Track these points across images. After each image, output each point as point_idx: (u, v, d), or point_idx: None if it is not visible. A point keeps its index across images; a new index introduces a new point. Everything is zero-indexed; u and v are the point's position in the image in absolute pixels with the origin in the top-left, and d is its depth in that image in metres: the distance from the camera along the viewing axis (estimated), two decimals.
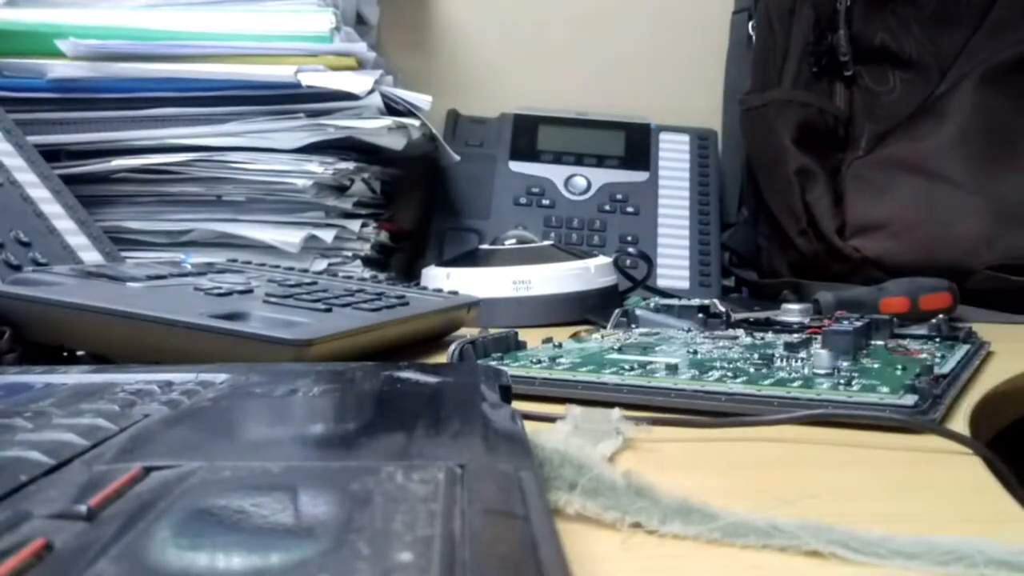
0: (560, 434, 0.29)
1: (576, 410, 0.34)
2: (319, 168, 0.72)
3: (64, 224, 0.63)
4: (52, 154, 0.70)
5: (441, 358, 0.50)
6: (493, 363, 0.45)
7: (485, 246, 0.76)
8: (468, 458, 0.20)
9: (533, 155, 0.92)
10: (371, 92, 0.73)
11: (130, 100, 0.73)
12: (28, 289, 0.46)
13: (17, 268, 0.55)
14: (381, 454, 0.21)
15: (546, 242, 0.77)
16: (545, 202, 0.90)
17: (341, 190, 0.76)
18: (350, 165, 0.75)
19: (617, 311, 0.62)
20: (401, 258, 0.89)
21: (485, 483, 0.18)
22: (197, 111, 0.73)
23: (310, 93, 0.72)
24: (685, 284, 0.86)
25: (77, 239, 0.63)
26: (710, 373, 0.41)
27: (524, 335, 0.51)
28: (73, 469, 0.19)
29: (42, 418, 0.25)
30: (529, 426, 0.27)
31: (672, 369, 0.42)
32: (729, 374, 0.41)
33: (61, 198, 0.64)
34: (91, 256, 0.63)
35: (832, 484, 0.30)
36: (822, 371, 0.41)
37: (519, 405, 0.33)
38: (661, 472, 0.25)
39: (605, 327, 0.61)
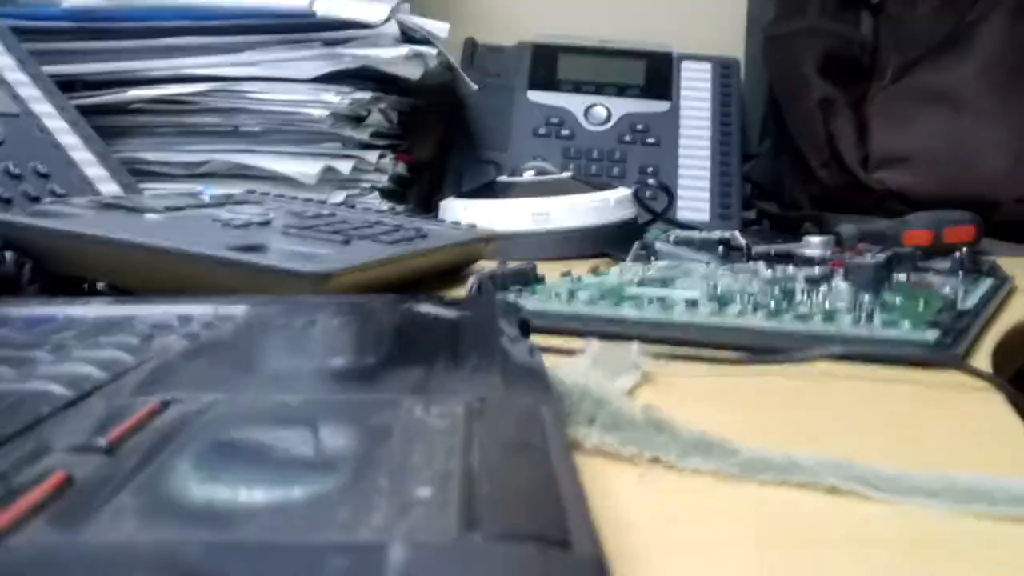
0: (579, 368, 0.29)
1: (595, 344, 0.34)
2: (335, 98, 0.72)
3: (82, 155, 0.63)
4: (67, 84, 0.69)
5: (459, 291, 0.50)
6: (512, 297, 0.44)
7: (503, 178, 0.76)
8: (487, 392, 0.20)
9: (552, 84, 0.91)
10: (387, 20, 0.72)
11: (145, 30, 0.72)
12: (47, 220, 0.46)
13: (36, 200, 0.55)
14: (400, 388, 0.21)
15: (565, 174, 0.76)
16: (564, 133, 0.88)
17: (358, 120, 0.75)
18: (367, 95, 0.74)
19: (636, 244, 0.61)
20: (419, 190, 0.89)
21: (504, 417, 0.18)
22: (212, 40, 0.72)
23: (325, 22, 0.71)
24: (706, 216, 0.85)
25: (95, 171, 0.63)
26: (730, 307, 0.41)
27: (543, 268, 0.51)
28: (93, 402, 0.19)
29: (62, 351, 0.25)
30: (548, 360, 0.27)
31: (692, 303, 0.42)
32: (750, 308, 0.41)
33: (78, 129, 0.64)
34: (109, 188, 0.62)
35: (852, 420, 0.29)
36: (843, 305, 0.41)
37: (538, 339, 0.33)
38: (679, 407, 0.25)
39: (624, 260, 0.60)
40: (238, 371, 0.23)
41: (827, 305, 0.41)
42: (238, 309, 0.32)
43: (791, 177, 0.86)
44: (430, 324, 0.28)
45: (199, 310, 0.32)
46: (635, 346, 0.34)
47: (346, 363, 0.24)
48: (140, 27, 0.72)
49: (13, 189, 0.55)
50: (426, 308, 0.31)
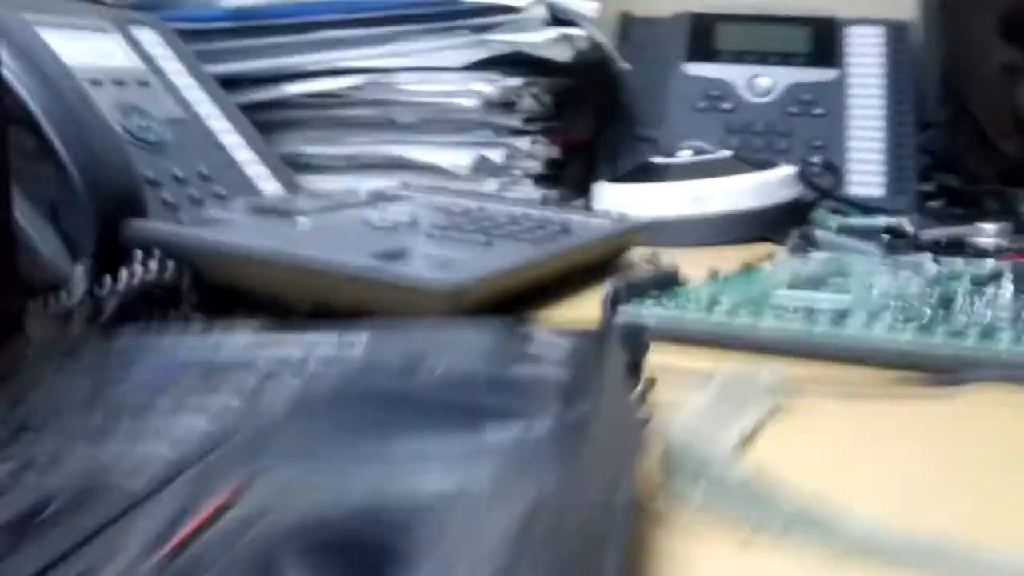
0: (694, 412, 0.28)
1: (725, 372, 0.32)
2: (486, 86, 0.71)
3: (244, 155, 0.65)
4: (227, 83, 0.72)
5: (599, 290, 0.48)
6: (649, 303, 0.43)
7: (658, 159, 0.73)
8: (554, 485, 0.19)
9: (711, 55, 0.87)
10: (534, 3, 0.71)
11: (300, 25, 0.74)
12: (194, 230, 0.47)
13: (199, 203, 0.57)
14: (469, 477, 0.20)
15: (724, 152, 0.73)
16: (725, 106, 0.85)
17: (509, 107, 0.75)
18: (518, 81, 0.73)
19: (796, 233, 0.58)
20: (575, 171, 0.87)
21: (567, 517, 0.17)
22: (362, 32, 0.73)
23: (471, 8, 0.71)
24: (879, 192, 0.80)
25: (256, 168, 0.65)
26: (881, 318, 0.38)
27: (694, 258, 0.50)
28: (177, 488, 0.19)
29: (180, 396, 0.26)
30: (668, 388, 0.25)
31: (840, 315, 0.39)
32: (900, 318, 0.38)
33: (240, 128, 0.66)
34: (270, 186, 0.64)
35: (1011, 459, 0.27)
36: (1005, 316, 0.38)
37: (666, 356, 0.32)
38: (810, 441, 0.23)
39: (784, 244, 0.58)
40: (321, 441, 0.23)
41: (989, 314, 0.38)
42: (359, 340, 0.32)
43: (970, 148, 0.79)
44: (526, 387, 0.27)
45: (324, 340, 0.32)
46: (767, 372, 0.32)
47: (414, 436, 0.23)
48: (295, 22, 0.74)
49: (179, 194, 0.57)
50: (529, 362, 0.29)
